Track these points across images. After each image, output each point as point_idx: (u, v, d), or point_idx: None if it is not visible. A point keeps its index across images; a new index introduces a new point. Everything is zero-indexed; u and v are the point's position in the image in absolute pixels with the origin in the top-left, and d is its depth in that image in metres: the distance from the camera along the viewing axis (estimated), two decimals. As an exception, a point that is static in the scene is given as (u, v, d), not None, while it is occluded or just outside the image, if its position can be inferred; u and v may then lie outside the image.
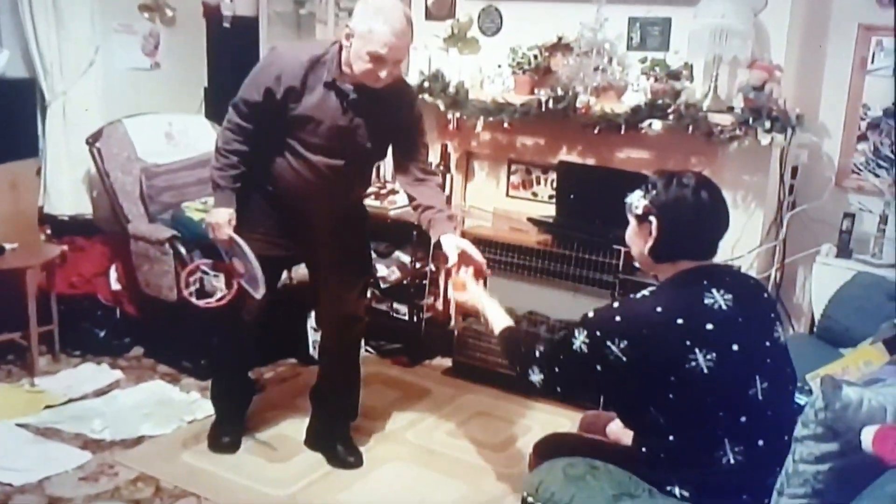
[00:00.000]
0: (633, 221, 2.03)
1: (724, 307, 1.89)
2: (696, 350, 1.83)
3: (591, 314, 2.00)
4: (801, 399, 2.62)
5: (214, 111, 4.68)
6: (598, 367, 1.92)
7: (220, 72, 4.81)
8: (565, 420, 3.47)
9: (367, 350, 4.23)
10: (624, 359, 1.86)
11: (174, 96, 4.70)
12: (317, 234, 3.06)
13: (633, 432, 2.06)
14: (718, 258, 3.28)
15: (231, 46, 4.78)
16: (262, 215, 2.99)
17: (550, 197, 4.05)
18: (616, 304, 1.99)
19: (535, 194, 4.15)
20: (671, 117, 3.46)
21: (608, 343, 1.88)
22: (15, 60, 4.14)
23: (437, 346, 4.22)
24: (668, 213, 1.95)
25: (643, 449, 1.99)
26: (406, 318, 4.21)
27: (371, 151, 2.99)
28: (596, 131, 3.63)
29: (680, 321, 1.85)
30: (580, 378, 2.03)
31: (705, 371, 1.83)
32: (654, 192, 1.97)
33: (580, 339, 1.95)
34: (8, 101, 4.03)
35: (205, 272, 3.41)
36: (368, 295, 4.11)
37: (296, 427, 3.43)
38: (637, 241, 2.03)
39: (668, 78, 3.55)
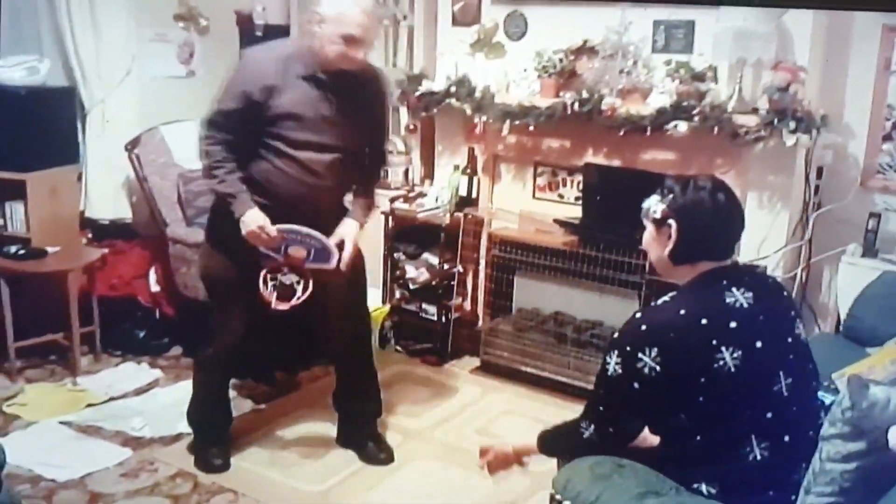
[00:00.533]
0: (650, 226, 2.02)
1: (745, 305, 1.89)
2: (723, 349, 1.83)
3: (616, 335, 2.00)
4: (826, 397, 2.59)
5: None
6: (636, 385, 1.90)
7: None
8: None
9: (396, 349, 4.27)
10: (658, 368, 1.85)
11: (209, 103, 4.60)
12: None
13: (660, 436, 2.03)
14: (746, 258, 3.39)
15: None
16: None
17: (576, 199, 4.04)
18: (639, 315, 1.97)
19: (561, 196, 4.12)
20: (696, 119, 3.43)
21: (640, 355, 1.87)
22: (56, 69, 4.19)
23: (465, 346, 4.23)
24: (687, 217, 1.94)
25: (669, 449, 1.98)
26: (434, 318, 4.22)
27: (358, 140, 2.93)
28: (621, 133, 3.60)
29: (704, 321, 1.85)
30: (624, 406, 1.99)
31: (732, 369, 1.83)
32: (671, 196, 1.96)
33: (613, 363, 1.94)
34: (49, 109, 4.07)
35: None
36: (398, 295, 4.27)
37: (328, 425, 3.44)
38: (655, 245, 2.02)
39: (693, 80, 3.52)
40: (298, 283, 2.87)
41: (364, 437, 3.27)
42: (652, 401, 1.92)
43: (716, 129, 3.40)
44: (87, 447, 3.23)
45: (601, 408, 2.02)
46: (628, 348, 1.90)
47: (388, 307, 4.26)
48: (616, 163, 3.83)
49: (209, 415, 3.20)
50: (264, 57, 2.79)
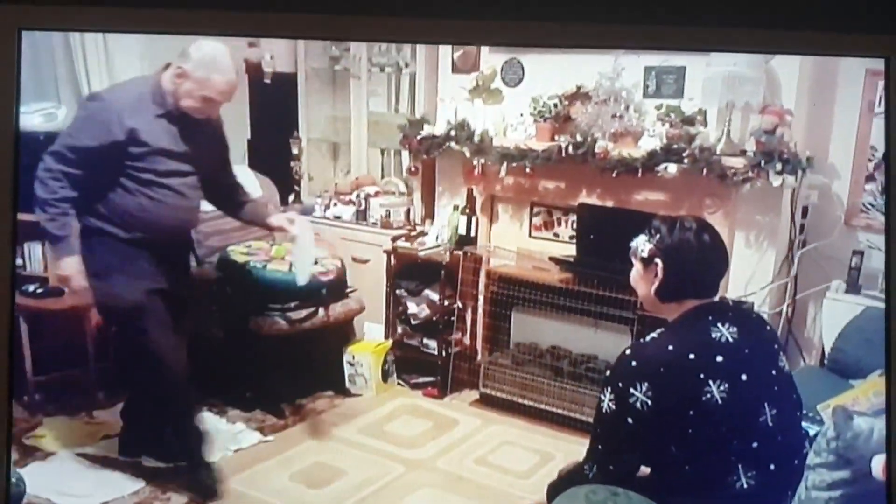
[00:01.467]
0: (638, 264, 2.05)
1: (730, 340, 1.92)
2: (710, 382, 1.86)
3: (608, 373, 2.03)
4: (811, 428, 2.60)
5: (257, 161, 4.70)
6: (630, 420, 1.92)
7: (262, 124, 4.81)
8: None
9: (398, 383, 4.24)
10: (649, 402, 1.87)
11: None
12: (179, 259, 3.12)
13: (651, 467, 2.04)
14: (734, 294, 3.39)
15: (271, 101, 4.77)
16: (119, 260, 2.93)
17: (571, 237, 4.02)
18: (628, 351, 1.98)
19: (556, 235, 4.11)
20: (686, 161, 3.44)
21: (631, 390, 1.89)
22: (72, 115, 4.03)
23: (465, 379, 4.18)
24: (673, 256, 1.98)
25: (660, 478, 1.99)
26: (435, 352, 4.18)
27: (213, 166, 3.08)
28: (614, 175, 3.60)
29: (692, 356, 1.88)
30: (621, 442, 1.99)
31: (720, 402, 1.85)
32: (658, 235, 2.00)
33: (607, 400, 1.96)
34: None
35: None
36: (399, 330, 4.26)
37: (333, 455, 3.48)
38: (643, 283, 2.05)
39: (683, 123, 3.53)
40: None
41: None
42: (645, 434, 1.93)
43: (705, 170, 3.41)
44: (102, 477, 3.24)
45: (600, 447, 2.03)
46: (620, 384, 1.92)
47: (390, 342, 4.24)
48: (609, 203, 3.82)
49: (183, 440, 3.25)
50: (121, 98, 2.86)
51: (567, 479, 2.13)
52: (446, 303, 4.16)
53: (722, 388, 1.85)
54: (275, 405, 3.88)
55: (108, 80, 4.15)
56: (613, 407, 1.93)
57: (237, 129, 4.77)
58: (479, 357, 4.22)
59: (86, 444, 3.48)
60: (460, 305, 4.19)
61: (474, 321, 4.27)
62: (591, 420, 3.53)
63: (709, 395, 1.85)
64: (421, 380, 4.23)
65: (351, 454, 3.51)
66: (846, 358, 3.19)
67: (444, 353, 4.17)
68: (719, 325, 1.93)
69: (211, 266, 3.98)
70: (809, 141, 3.54)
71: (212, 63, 2.81)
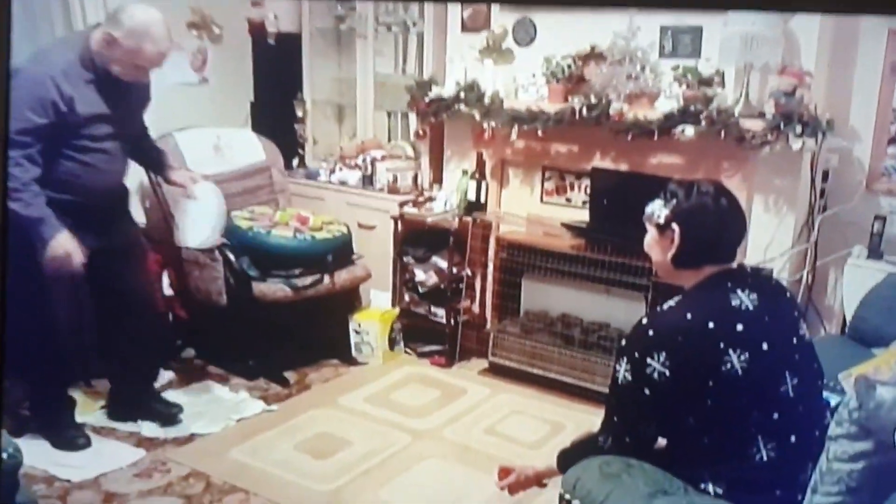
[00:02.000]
0: (653, 230, 2.00)
1: (750, 307, 1.88)
2: (730, 351, 1.81)
3: (624, 342, 1.98)
4: (832, 398, 2.58)
5: (260, 124, 4.75)
6: (647, 391, 1.88)
7: (265, 86, 4.81)
8: (596, 418, 3.39)
9: (405, 351, 4.26)
10: (667, 372, 1.84)
11: (222, 110, 4.68)
12: (115, 220, 3.13)
13: (668, 438, 2.00)
14: (752, 261, 3.37)
15: (275, 62, 4.79)
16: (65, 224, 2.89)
17: (584, 202, 4.00)
18: (645, 320, 1.95)
19: (568, 200, 4.09)
20: (703, 123, 3.39)
21: (648, 360, 1.86)
22: None
23: (474, 348, 4.21)
24: (690, 221, 1.93)
25: (677, 450, 1.96)
26: (443, 320, 4.19)
27: (139, 125, 3.15)
28: (629, 138, 3.56)
29: (711, 325, 1.84)
30: (637, 413, 1.96)
31: (740, 372, 1.81)
32: (674, 200, 1.95)
33: (623, 370, 1.92)
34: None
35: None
36: (407, 298, 4.26)
37: (338, 424, 3.47)
38: (658, 249, 2.00)
39: (700, 84, 3.48)
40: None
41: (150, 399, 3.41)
42: (662, 405, 1.90)
43: (722, 133, 3.36)
44: (101, 448, 3.23)
45: (615, 418, 2.00)
46: (636, 354, 1.88)
47: (397, 310, 4.26)
48: (623, 167, 3.80)
49: (48, 405, 3.25)
50: (51, 66, 2.81)
51: (581, 450, 2.10)
52: (454, 270, 4.16)
53: (742, 357, 1.81)
54: (279, 374, 3.90)
55: None
56: (629, 378, 1.90)
57: (240, 91, 4.83)
58: (487, 325, 4.22)
59: (84, 413, 3.47)
60: (469, 273, 4.19)
61: (483, 289, 4.27)
62: (602, 389, 3.57)
63: (729, 366, 1.81)
64: (428, 348, 4.24)
65: (356, 424, 3.50)
66: (868, 326, 3.13)
67: (452, 322, 4.18)
68: (739, 291, 1.89)
69: None
70: (830, 103, 3.50)
71: (144, 32, 2.78)
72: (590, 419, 3.46)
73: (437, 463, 3.22)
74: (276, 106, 4.76)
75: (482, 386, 3.94)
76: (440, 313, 4.19)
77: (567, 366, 3.85)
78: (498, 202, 4.23)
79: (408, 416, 3.57)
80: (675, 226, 1.94)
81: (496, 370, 4.06)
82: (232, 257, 3.80)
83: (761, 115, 3.38)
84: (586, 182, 3.98)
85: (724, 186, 2.01)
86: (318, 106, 4.86)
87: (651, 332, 1.88)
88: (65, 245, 2.81)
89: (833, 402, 2.37)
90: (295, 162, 4.77)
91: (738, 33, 3.33)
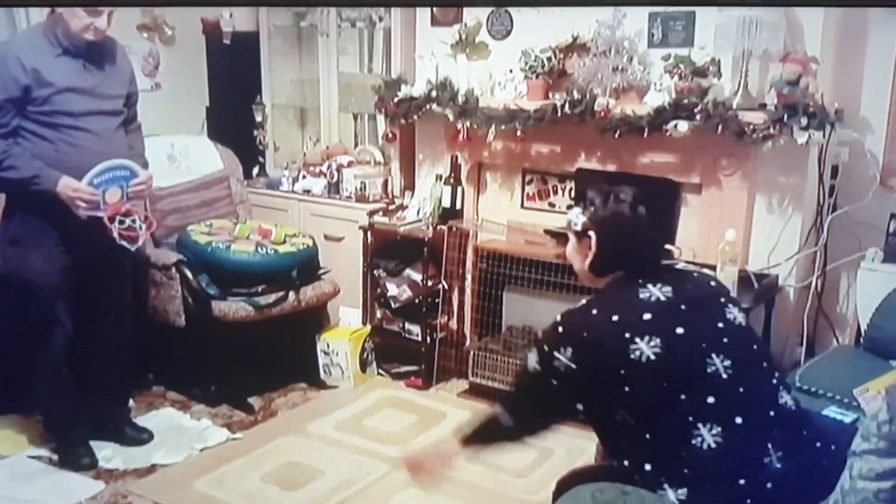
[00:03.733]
0: (572, 238, 2.05)
1: (661, 298, 1.92)
2: (637, 339, 1.85)
3: (539, 334, 2.12)
4: (846, 415, 2.61)
5: (217, 131, 4.64)
6: (554, 381, 1.93)
7: (222, 90, 4.72)
8: (587, 442, 3.29)
9: (378, 373, 4.17)
10: (573, 366, 1.89)
11: (176, 117, 4.57)
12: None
13: (611, 446, 2.00)
14: (756, 266, 3.17)
15: (232, 63, 4.72)
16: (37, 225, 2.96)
17: (569, 207, 3.68)
18: (558, 318, 1.99)
19: (552, 205, 3.92)
20: (698, 117, 3.22)
21: (555, 353, 1.91)
22: None
23: (452, 367, 4.07)
24: (605, 229, 1.98)
25: (620, 447, 1.94)
26: (419, 338, 4.05)
27: (122, 102, 3.11)
28: (616, 135, 3.39)
29: (615, 318, 1.90)
30: (543, 397, 2.01)
31: (652, 357, 1.84)
32: (592, 208, 2.00)
33: (532, 360, 1.99)
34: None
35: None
36: (379, 315, 4.17)
37: (309, 453, 3.36)
38: (577, 256, 2.05)
39: (694, 75, 3.32)
40: (140, 226, 3.05)
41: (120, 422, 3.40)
42: (571, 394, 1.95)
43: (720, 127, 3.20)
44: (58, 480, 3.15)
45: (520, 397, 2.09)
46: (546, 348, 1.95)
47: (368, 328, 4.13)
48: (611, 168, 3.63)
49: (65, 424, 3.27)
50: (15, 45, 2.95)
51: (485, 429, 2.12)
52: (430, 283, 4.04)
53: (653, 343, 1.84)
54: (243, 399, 3.78)
55: None
56: (538, 368, 1.97)
57: (194, 96, 4.78)
58: (467, 343, 4.10)
59: (40, 444, 3.37)
60: (445, 286, 4.06)
61: (461, 303, 4.16)
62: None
63: (637, 353, 1.84)
64: (403, 369, 4.12)
65: (328, 452, 3.38)
66: (885, 336, 3.01)
67: (428, 339, 4.05)
68: (650, 286, 1.94)
69: (169, 247, 3.86)
70: (838, 91, 3.35)
71: None
72: (580, 443, 3.31)
73: (417, 494, 3.05)
74: (233, 111, 4.68)
75: (462, 409, 3.75)
76: (415, 330, 4.06)
77: None
78: (475, 209, 4.08)
79: (383, 443, 3.45)
80: (591, 233, 1.99)
81: (477, 391, 3.90)
82: (190, 275, 3.67)
83: (762, 106, 3.24)
84: (571, 185, 3.84)
85: (647, 193, 2.01)
86: (279, 110, 4.78)
87: (560, 329, 1.96)
88: (70, 184, 2.87)
89: (848, 420, 2.55)
90: (255, 170, 4.67)
91: (734, 18, 3.17)
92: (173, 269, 3.65)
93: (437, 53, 3.89)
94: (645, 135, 3.33)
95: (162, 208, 3.90)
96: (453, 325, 4.13)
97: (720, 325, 1.96)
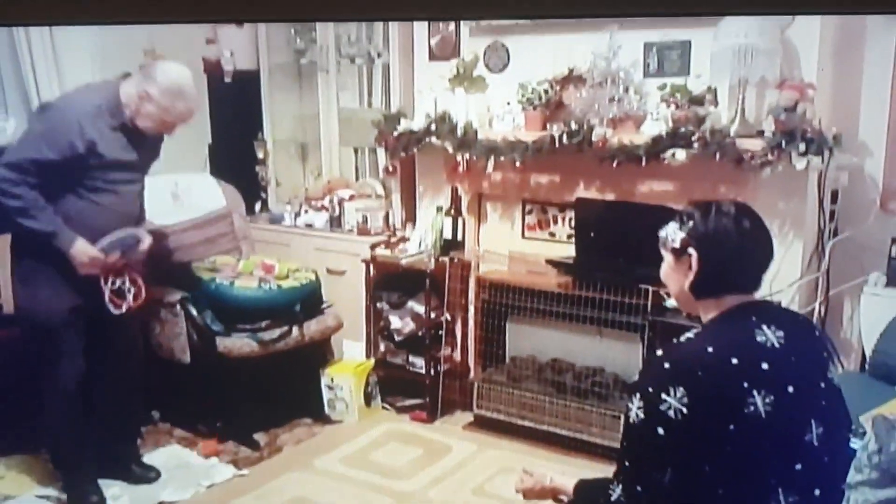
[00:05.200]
0: (668, 256, 1.85)
1: (776, 345, 1.72)
2: (754, 392, 1.65)
3: (636, 378, 1.86)
4: (856, 443, 2.49)
5: (219, 167, 4.62)
6: (661, 430, 1.68)
7: (224, 127, 4.70)
8: (594, 475, 3.19)
9: (383, 406, 4.10)
10: (684, 410, 1.65)
11: (178, 155, 4.43)
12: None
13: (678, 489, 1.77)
14: (758, 294, 3.09)
15: (233, 101, 4.71)
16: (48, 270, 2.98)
17: (569, 236, 3.84)
18: (660, 353, 1.78)
19: (552, 234, 3.90)
20: (696, 145, 3.20)
21: (663, 396, 1.67)
22: (22, 126, 3.90)
23: (457, 400, 4.01)
24: (709, 245, 1.78)
25: (687, 501, 1.76)
26: (423, 371, 4.00)
27: (148, 170, 3.25)
28: (614, 165, 3.36)
29: (735, 361, 1.68)
30: (650, 457, 1.76)
31: (763, 416, 1.65)
32: (690, 223, 1.81)
33: (635, 408, 1.73)
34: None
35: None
36: (382, 348, 4.13)
37: (314, 489, 3.31)
38: (675, 277, 1.85)
39: (691, 104, 3.30)
40: (128, 289, 3.13)
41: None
42: (678, 449, 1.71)
43: (718, 155, 3.17)
44: None
45: (627, 463, 1.81)
46: (651, 389, 1.71)
47: (372, 361, 4.08)
48: (610, 196, 3.62)
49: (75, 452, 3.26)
50: (78, 108, 2.94)
51: (595, 489, 1.91)
52: (433, 315, 4.00)
53: (767, 399, 1.65)
54: (248, 435, 3.73)
55: (57, 83, 4.06)
56: (642, 416, 1.71)
57: (197, 133, 4.72)
58: (471, 374, 4.06)
59: (48, 484, 3.32)
60: (448, 318, 4.03)
61: (465, 334, 4.12)
62: (600, 441, 3.50)
63: (752, 408, 1.65)
64: (408, 402, 4.06)
65: (334, 487, 3.35)
66: (890, 361, 2.95)
67: (432, 372, 4.00)
68: (764, 327, 1.73)
69: (174, 285, 3.80)
70: (836, 116, 3.33)
71: (178, 91, 2.96)
72: (587, 475, 3.24)
73: None
74: (235, 147, 4.69)
75: (468, 442, 3.73)
76: (419, 363, 4.01)
77: (560, 416, 3.62)
78: (476, 240, 4.06)
79: (389, 477, 3.40)
80: (691, 251, 1.79)
81: (482, 423, 3.84)
82: (194, 311, 3.64)
83: (760, 133, 3.21)
84: (570, 214, 3.82)
85: (747, 206, 1.85)
86: (280, 145, 4.76)
87: (667, 365, 1.71)
88: (85, 250, 2.95)
89: (856, 448, 2.39)
90: (257, 206, 4.68)
91: (730, 46, 3.15)
92: (178, 307, 3.62)
93: (436, 87, 3.89)
94: (643, 163, 3.30)
95: (167, 245, 3.86)
96: (457, 356, 4.09)
97: (822, 384, 1.79)
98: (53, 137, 2.88)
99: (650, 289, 3.24)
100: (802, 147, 3.03)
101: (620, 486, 1.78)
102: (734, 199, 1.89)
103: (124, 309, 3.09)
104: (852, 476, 1.63)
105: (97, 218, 3.00)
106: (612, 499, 1.78)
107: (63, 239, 2.91)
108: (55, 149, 2.86)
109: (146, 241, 3.14)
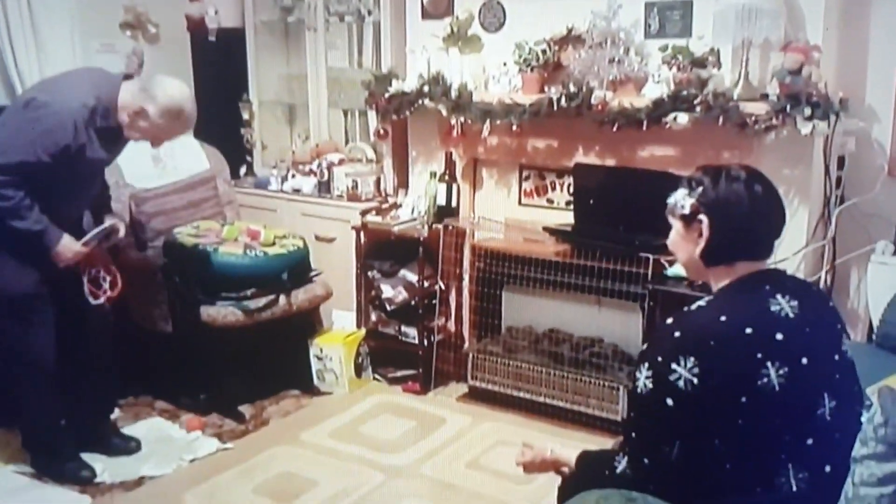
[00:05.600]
0: (677, 224, 1.85)
1: (790, 315, 1.71)
2: (768, 363, 1.64)
3: (645, 346, 1.81)
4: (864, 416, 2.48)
5: (203, 130, 4.36)
6: (670, 401, 1.67)
7: (208, 88, 4.60)
8: (593, 447, 3.18)
9: (374, 378, 4.11)
10: (695, 380, 1.64)
11: None
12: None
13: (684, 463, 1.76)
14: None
15: (217, 61, 4.70)
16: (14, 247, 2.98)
17: (568, 203, 3.81)
18: (670, 321, 1.75)
19: (550, 201, 3.88)
20: (698, 109, 3.18)
21: (673, 365, 1.66)
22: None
23: (451, 371, 4.03)
24: (721, 211, 1.78)
25: (694, 478, 1.73)
26: (416, 341, 3.99)
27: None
28: (614, 129, 3.35)
29: (749, 330, 1.66)
30: (659, 429, 1.73)
31: (777, 388, 1.64)
32: (700, 188, 1.80)
33: (643, 378, 1.72)
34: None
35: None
36: (374, 318, 4.12)
37: (302, 463, 3.30)
38: (684, 244, 1.85)
39: (693, 66, 3.27)
40: (104, 278, 3.17)
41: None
42: (688, 421, 1.70)
43: (721, 119, 3.15)
44: (43, 495, 3.10)
45: (633, 434, 1.80)
46: (660, 358, 1.69)
47: (363, 331, 4.08)
48: (610, 162, 3.59)
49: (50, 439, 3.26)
50: (75, 110, 2.91)
51: (596, 460, 1.91)
52: (426, 284, 3.98)
53: (781, 371, 1.63)
54: (233, 408, 3.72)
55: (35, 48, 4.02)
56: (650, 386, 1.70)
57: None
58: (465, 345, 4.04)
59: (24, 459, 3.29)
60: (442, 286, 4.01)
61: (459, 304, 4.11)
62: (598, 413, 3.50)
63: (766, 380, 1.63)
64: (400, 373, 4.07)
65: (322, 462, 3.33)
66: None
67: (425, 342, 3.99)
68: (778, 296, 1.72)
69: (156, 251, 3.81)
70: (842, 80, 3.30)
71: (177, 112, 2.96)
72: (585, 447, 3.24)
73: (416, 503, 3.05)
74: (219, 109, 4.59)
75: (462, 414, 3.74)
76: (412, 333, 4.01)
77: (557, 387, 3.63)
78: (471, 206, 4.05)
79: (380, 451, 3.40)
80: (702, 217, 1.79)
81: (477, 395, 3.85)
82: (177, 278, 3.63)
83: (764, 97, 3.17)
84: (569, 180, 3.79)
85: (758, 171, 1.84)
86: (267, 107, 4.74)
87: (678, 334, 1.70)
88: (70, 247, 3.00)
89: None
90: (242, 170, 4.67)
91: (733, 6, 3.12)
92: (159, 273, 3.62)
93: (429, 47, 3.85)
94: (644, 127, 3.29)
95: (147, 210, 3.84)
96: (451, 326, 4.09)
97: (836, 357, 1.78)
98: (49, 140, 2.86)
99: (650, 257, 3.23)
100: (808, 111, 3.01)
101: (626, 459, 1.77)
102: (744, 164, 1.87)
103: (102, 300, 3.13)
104: (857, 449, 1.61)
105: (67, 207, 3.05)
106: (618, 471, 1.77)
107: (49, 237, 2.95)
108: (49, 152, 2.86)
109: (122, 230, 3.22)
